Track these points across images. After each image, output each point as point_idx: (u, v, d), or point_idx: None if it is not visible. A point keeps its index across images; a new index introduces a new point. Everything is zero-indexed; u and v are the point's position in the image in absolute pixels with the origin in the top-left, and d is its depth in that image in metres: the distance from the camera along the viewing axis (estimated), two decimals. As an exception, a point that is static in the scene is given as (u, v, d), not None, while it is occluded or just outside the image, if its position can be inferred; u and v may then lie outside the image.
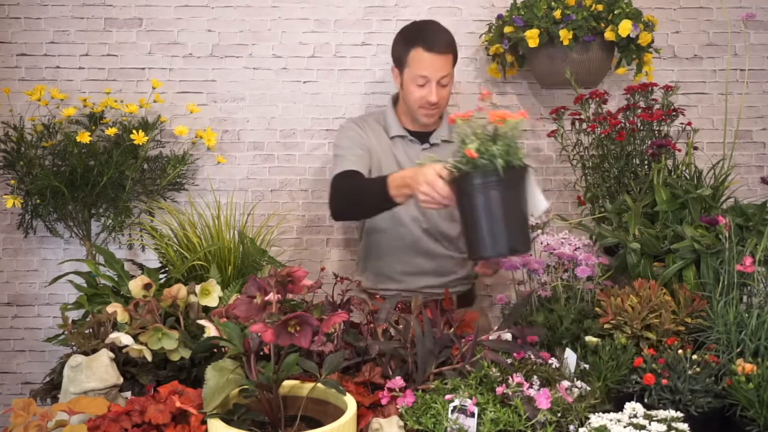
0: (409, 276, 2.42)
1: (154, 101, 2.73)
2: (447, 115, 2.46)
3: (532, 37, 2.53)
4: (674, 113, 2.38)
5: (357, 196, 2.15)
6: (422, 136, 2.41)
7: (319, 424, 1.31)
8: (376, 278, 2.45)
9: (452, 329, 1.72)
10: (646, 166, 2.38)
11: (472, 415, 1.40)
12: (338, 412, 1.36)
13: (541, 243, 2.09)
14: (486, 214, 1.65)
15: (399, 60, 2.32)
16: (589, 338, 1.78)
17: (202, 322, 1.65)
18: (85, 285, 2.06)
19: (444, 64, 2.26)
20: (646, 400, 1.59)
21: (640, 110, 2.40)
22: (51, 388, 1.66)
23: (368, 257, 2.49)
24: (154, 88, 2.72)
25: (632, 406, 1.47)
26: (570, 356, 1.70)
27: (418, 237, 2.40)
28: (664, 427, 1.38)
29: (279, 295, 1.36)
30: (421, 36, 2.27)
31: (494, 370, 1.55)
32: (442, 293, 2.39)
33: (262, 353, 1.41)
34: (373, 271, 2.47)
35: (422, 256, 2.41)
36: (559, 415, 1.45)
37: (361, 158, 2.31)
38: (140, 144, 2.57)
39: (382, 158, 2.37)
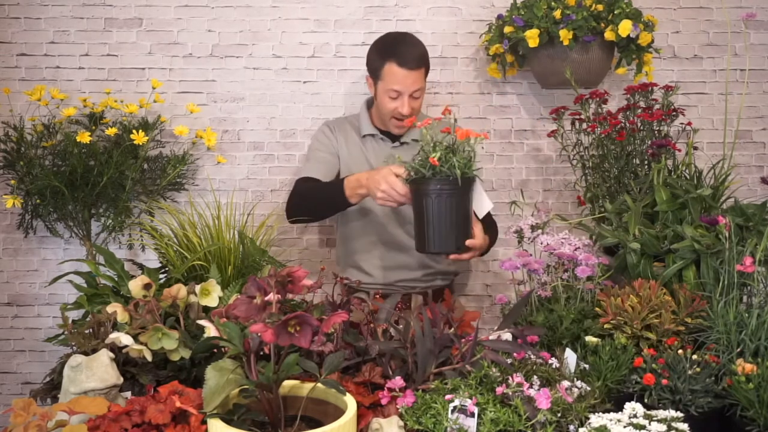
0: (386, 270, 2.47)
1: (154, 101, 2.73)
2: (420, 114, 2.54)
3: (532, 37, 2.53)
4: (674, 113, 2.38)
5: (311, 196, 2.36)
6: (393, 135, 2.50)
7: (319, 424, 1.31)
8: (354, 274, 2.50)
9: (452, 329, 1.72)
10: (646, 166, 2.38)
11: (472, 415, 1.40)
12: (338, 412, 1.36)
13: (541, 243, 2.09)
14: (438, 216, 1.96)
15: (373, 71, 2.42)
16: (589, 338, 1.78)
17: (202, 322, 1.65)
18: (85, 285, 2.06)
19: (416, 79, 2.35)
20: (646, 400, 1.59)
21: (640, 110, 2.40)
22: (51, 388, 1.66)
23: (345, 253, 2.54)
24: (154, 88, 2.71)
25: (632, 406, 1.47)
26: (570, 356, 1.70)
27: (393, 232, 2.45)
28: (664, 427, 1.38)
29: (279, 295, 1.36)
30: (395, 51, 2.35)
31: (494, 370, 1.55)
32: (421, 287, 2.46)
33: (262, 353, 1.41)
34: (352, 266, 2.51)
35: (398, 250, 2.46)
36: (559, 415, 1.45)
37: (325, 164, 2.46)
38: (140, 144, 2.57)
39: (351, 158, 2.48)
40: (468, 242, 2.08)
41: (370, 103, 2.56)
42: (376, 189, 2.08)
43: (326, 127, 2.55)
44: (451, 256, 2.17)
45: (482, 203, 2.17)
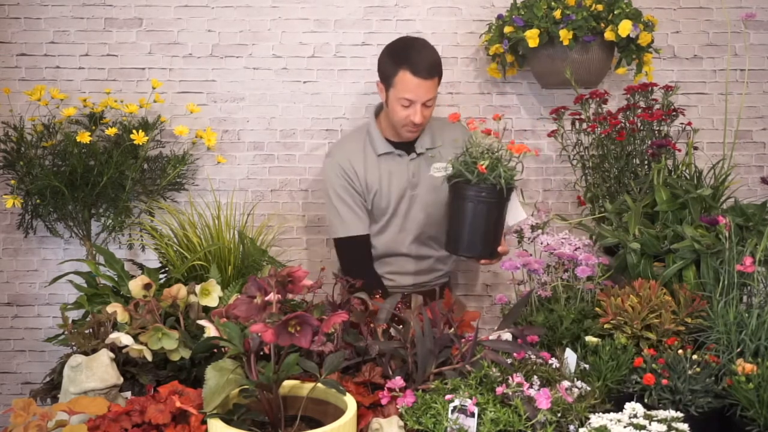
0: (398, 275, 2.49)
1: (154, 101, 2.73)
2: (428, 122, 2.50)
3: (532, 37, 2.53)
4: (674, 113, 2.38)
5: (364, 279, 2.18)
6: (407, 147, 2.45)
7: (319, 424, 1.31)
8: None
9: (452, 329, 1.72)
10: (646, 166, 2.38)
11: (472, 415, 1.40)
12: (338, 412, 1.36)
13: (541, 243, 2.10)
14: (475, 220, 2.04)
15: (385, 78, 2.35)
16: (589, 338, 1.78)
17: (202, 322, 1.65)
18: (85, 285, 2.07)
19: (429, 88, 2.30)
20: (646, 400, 1.59)
21: (640, 110, 2.40)
22: (51, 388, 1.66)
23: None
24: (154, 88, 2.71)
25: (632, 406, 1.47)
26: (570, 356, 1.70)
27: (407, 243, 2.47)
28: (664, 427, 1.38)
29: (279, 295, 1.36)
30: (408, 58, 2.28)
31: (494, 370, 1.55)
32: (429, 286, 2.50)
33: (262, 353, 1.41)
34: None
35: (411, 258, 2.48)
36: (559, 415, 1.45)
37: (359, 208, 2.42)
38: (140, 144, 2.57)
39: (369, 175, 2.42)
40: (499, 249, 2.15)
41: (377, 111, 2.49)
42: None
43: (336, 166, 2.42)
44: (481, 261, 2.23)
45: (516, 212, 2.23)
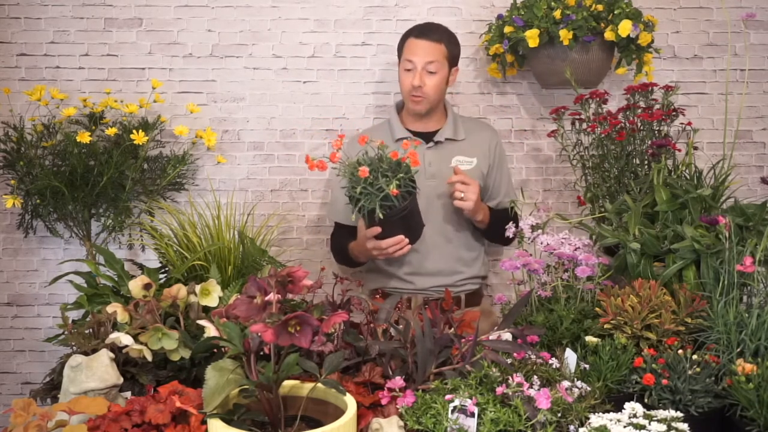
0: (417, 276, 2.45)
1: (154, 101, 2.72)
2: (453, 114, 2.53)
3: (532, 37, 2.53)
4: (674, 113, 2.38)
5: (344, 258, 2.53)
6: (427, 136, 2.46)
7: (319, 424, 1.31)
8: (385, 279, 2.48)
9: (452, 329, 1.72)
10: (646, 166, 2.38)
11: (472, 415, 1.40)
12: (338, 412, 1.36)
13: (541, 243, 2.09)
14: (416, 211, 2.20)
15: (398, 53, 2.46)
16: (589, 338, 1.78)
17: (202, 322, 1.65)
18: (85, 285, 2.07)
19: (431, 51, 2.36)
20: (646, 400, 1.60)
21: (640, 110, 2.40)
22: (51, 388, 1.66)
23: (376, 259, 2.50)
24: (154, 88, 2.71)
25: (632, 406, 1.47)
26: (570, 356, 1.70)
27: (426, 236, 2.42)
28: (664, 427, 1.38)
29: (279, 295, 1.36)
30: (415, 27, 2.44)
31: (494, 370, 1.55)
32: (454, 292, 2.44)
33: (262, 353, 1.42)
34: (381, 272, 2.49)
35: (430, 256, 2.44)
36: (559, 415, 1.45)
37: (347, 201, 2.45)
38: (140, 144, 2.56)
39: None
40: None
41: (399, 106, 2.55)
42: (376, 255, 2.26)
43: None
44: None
45: None
